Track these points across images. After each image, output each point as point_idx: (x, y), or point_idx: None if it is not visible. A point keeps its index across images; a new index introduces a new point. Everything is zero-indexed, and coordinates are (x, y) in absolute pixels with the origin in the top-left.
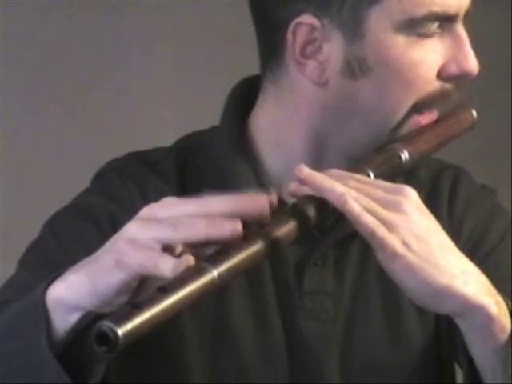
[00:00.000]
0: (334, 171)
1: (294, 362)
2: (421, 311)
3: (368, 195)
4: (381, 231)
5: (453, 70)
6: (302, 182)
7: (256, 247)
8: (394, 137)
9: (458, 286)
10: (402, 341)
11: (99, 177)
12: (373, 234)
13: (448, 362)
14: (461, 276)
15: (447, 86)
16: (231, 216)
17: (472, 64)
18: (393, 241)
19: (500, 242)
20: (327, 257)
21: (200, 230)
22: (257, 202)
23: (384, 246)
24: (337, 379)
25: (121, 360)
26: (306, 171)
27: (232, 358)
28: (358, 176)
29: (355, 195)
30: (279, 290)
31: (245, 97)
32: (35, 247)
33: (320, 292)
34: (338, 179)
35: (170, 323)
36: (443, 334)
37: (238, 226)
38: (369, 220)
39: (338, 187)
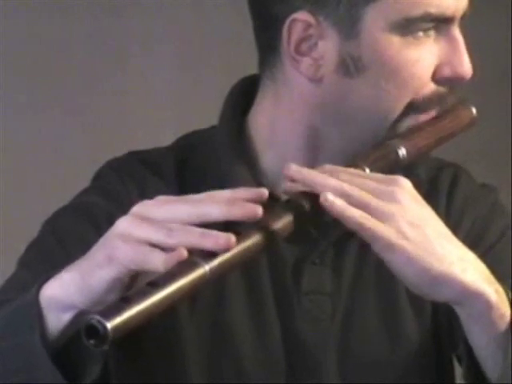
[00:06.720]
0: (328, 166)
1: (292, 362)
2: (417, 309)
3: (361, 187)
4: (369, 223)
5: (446, 72)
6: (292, 179)
7: (249, 242)
8: (391, 134)
9: (457, 272)
10: (400, 339)
11: (99, 176)
12: (361, 227)
13: (447, 360)
14: (459, 263)
15: (442, 89)
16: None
17: (466, 68)
18: (386, 231)
19: (499, 240)
20: (325, 256)
21: (194, 239)
22: (250, 209)
23: (376, 237)
24: (335, 379)
25: (120, 361)
26: (293, 168)
27: (230, 359)
28: (351, 169)
29: (348, 188)
30: (277, 290)
31: (244, 95)
32: (35, 246)
33: (318, 292)
34: (331, 173)
35: (169, 325)
36: (441, 329)
37: (232, 239)
38: (354, 214)
39: (329, 181)
